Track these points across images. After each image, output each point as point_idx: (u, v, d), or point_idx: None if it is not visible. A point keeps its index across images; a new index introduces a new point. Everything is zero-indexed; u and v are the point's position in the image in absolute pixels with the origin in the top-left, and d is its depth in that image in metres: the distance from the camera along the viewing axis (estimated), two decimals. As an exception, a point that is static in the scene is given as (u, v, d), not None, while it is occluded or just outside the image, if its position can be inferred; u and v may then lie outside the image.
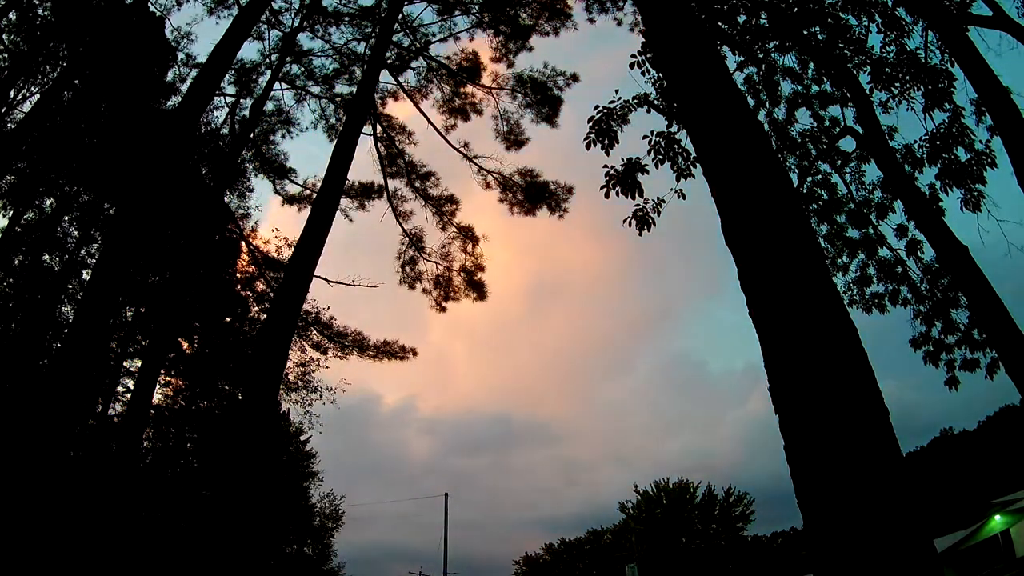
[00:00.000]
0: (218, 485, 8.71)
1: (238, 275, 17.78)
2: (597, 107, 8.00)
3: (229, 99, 16.74)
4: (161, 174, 9.30)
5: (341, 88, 16.70)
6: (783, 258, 3.77)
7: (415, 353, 16.98)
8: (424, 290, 16.65)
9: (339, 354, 16.92)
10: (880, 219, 12.49)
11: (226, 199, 16.44)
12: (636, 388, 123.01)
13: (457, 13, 15.75)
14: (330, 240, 10.65)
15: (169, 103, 15.83)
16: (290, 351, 11.85)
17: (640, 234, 7.79)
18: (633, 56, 8.76)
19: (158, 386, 15.31)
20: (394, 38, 15.15)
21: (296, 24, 16.23)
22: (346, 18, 16.13)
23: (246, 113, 16.41)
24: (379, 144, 15.97)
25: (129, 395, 15.34)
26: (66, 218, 15.05)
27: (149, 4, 14.89)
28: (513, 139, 16.28)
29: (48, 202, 14.89)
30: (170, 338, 14.80)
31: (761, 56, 11.60)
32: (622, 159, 7.67)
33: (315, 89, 16.75)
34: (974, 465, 35.21)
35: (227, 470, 8.34)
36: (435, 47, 16.26)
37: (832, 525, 3.03)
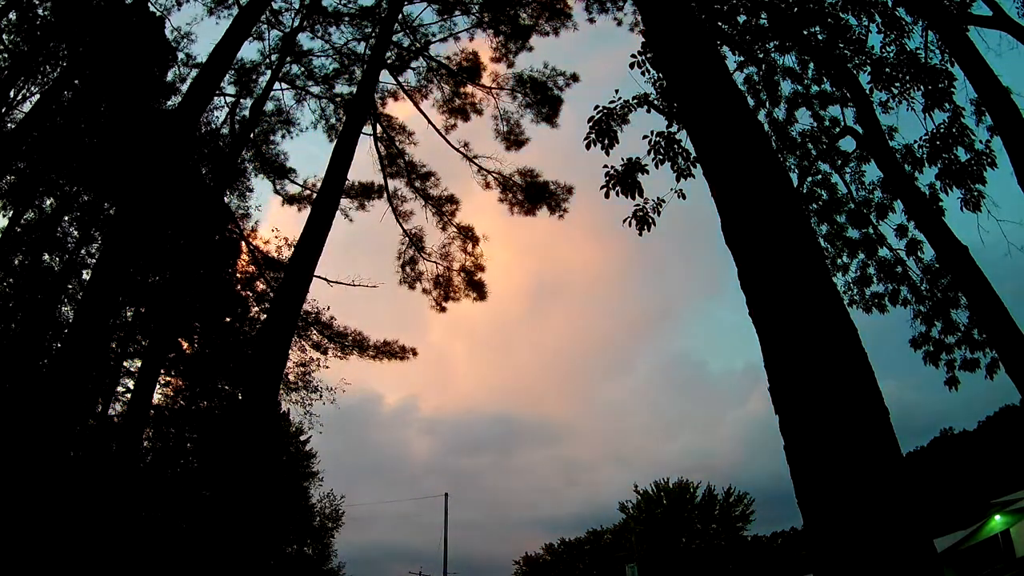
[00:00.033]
0: (218, 485, 8.71)
1: (238, 275, 17.79)
2: (597, 107, 8.01)
3: (229, 99, 16.77)
4: (161, 174, 9.30)
5: (341, 88, 16.73)
6: (783, 258, 3.77)
7: (415, 353, 17.01)
8: (424, 290, 16.67)
9: (339, 354, 16.95)
10: (880, 219, 12.49)
11: (226, 199, 16.45)
12: (636, 388, 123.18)
13: (457, 13, 15.78)
14: (330, 240, 10.66)
15: (169, 103, 15.85)
16: (290, 351, 11.85)
17: (640, 234, 7.79)
18: (633, 56, 8.76)
19: (158, 386, 15.32)
20: (394, 38, 15.16)
21: (296, 24, 16.25)
22: (346, 18, 16.14)
23: (246, 113, 16.43)
24: (379, 144, 15.99)
25: (129, 395, 15.35)
26: (66, 218, 15.06)
27: (149, 4, 14.91)
28: (513, 139, 16.29)
29: (48, 202, 14.90)
30: (170, 338, 14.81)
31: (761, 56, 11.60)
32: (622, 159, 7.68)
33: (315, 89, 16.78)
34: (974, 465, 35.21)
35: (227, 470, 8.34)
36: (435, 47, 16.28)
37: (832, 525, 3.03)
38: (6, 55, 13.32)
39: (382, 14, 15.24)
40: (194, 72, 14.89)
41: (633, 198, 7.54)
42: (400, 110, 21.97)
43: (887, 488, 3.02)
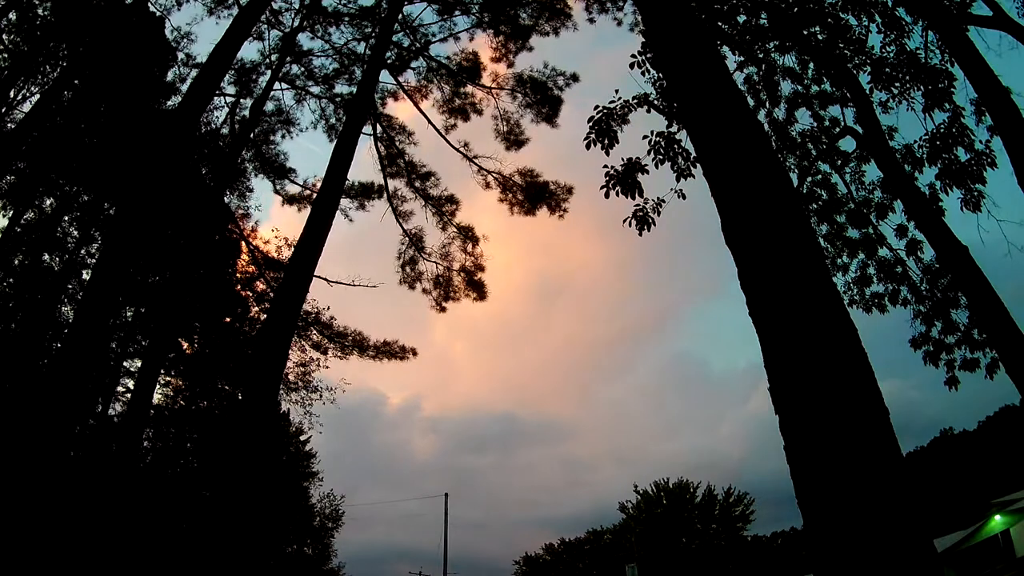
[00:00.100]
0: (218, 485, 8.71)
1: (238, 275, 17.79)
2: (597, 107, 8.00)
3: (229, 99, 16.78)
4: (161, 174, 9.30)
5: (341, 88, 16.74)
6: (783, 258, 3.77)
7: (415, 353, 17.01)
8: (424, 290, 16.67)
9: (339, 354, 16.96)
10: (880, 219, 12.50)
11: (226, 199, 16.46)
12: (637, 387, 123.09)
13: (457, 13, 15.78)
14: (330, 240, 10.68)
15: (169, 103, 15.86)
16: (290, 351, 11.87)
17: (640, 234, 7.78)
18: (633, 56, 8.76)
19: (158, 386, 15.33)
20: (394, 38, 15.16)
21: (296, 24, 16.26)
22: (346, 18, 16.15)
23: (246, 113, 16.45)
24: (379, 144, 16.00)
25: (129, 395, 15.35)
26: (66, 218, 15.06)
27: (149, 4, 14.92)
28: (513, 139, 16.29)
29: (48, 202, 14.90)
30: (170, 338, 14.81)
31: (761, 56, 11.60)
32: (622, 159, 7.67)
33: (315, 89, 16.79)
34: (974, 465, 35.21)
35: (227, 470, 8.34)
36: (435, 47, 16.32)
37: (832, 525, 3.03)
38: (6, 55, 13.32)
39: (382, 14, 15.25)
40: (194, 72, 14.91)
41: (633, 198, 7.54)
42: (400, 110, 21.99)
43: (887, 488, 3.02)
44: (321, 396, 17.19)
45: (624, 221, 7.87)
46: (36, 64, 13.55)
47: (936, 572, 2.87)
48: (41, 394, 7.95)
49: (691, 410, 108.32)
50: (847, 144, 12.13)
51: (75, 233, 15.25)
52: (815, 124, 12.39)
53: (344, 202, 15.90)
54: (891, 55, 10.16)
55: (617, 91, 8.23)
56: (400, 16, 15.18)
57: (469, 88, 16.25)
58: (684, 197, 8.08)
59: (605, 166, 7.53)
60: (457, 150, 15.98)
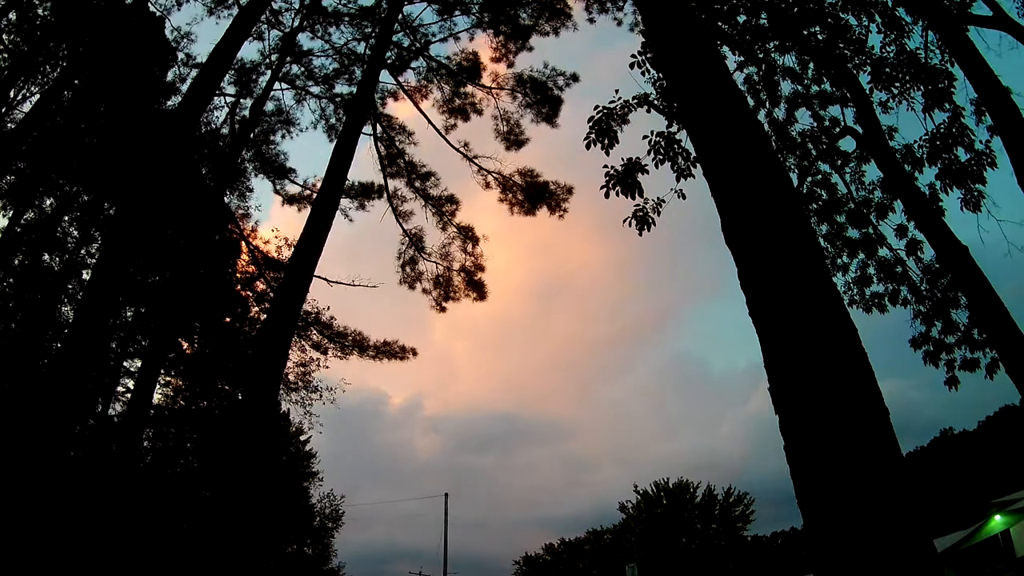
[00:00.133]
0: (218, 485, 8.71)
1: (238, 275, 17.79)
2: (597, 107, 8.00)
3: (229, 99, 16.78)
4: (161, 174, 9.30)
5: (341, 88, 16.74)
6: (783, 258, 3.77)
7: (415, 353, 17.01)
8: (424, 290, 16.67)
9: (339, 354, 16.96)
10: (880, 219, 12.50)
11: (226, 199, 16.46)
12: (638, 386, 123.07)
13: (457, 13, 15.78)
14: (330, 240, 10.68)
15: (169, 103, 15.86)
16: (290, 351, 11.87)
17: (640, 234, 7.79)
18: (633, 56, 8.76)
19: (158, 386, 15.33)
20: (394, 38, 15.16)
21: (296, 24, 16.26)
22: (346, 18, 16.15)
23: (246, 113, 16.45)
24: (379, 144, 16.00)
25: (129, 395, 15.35)
26: (66, 218, 15.06)
27: (149, 4, 14.92)
28: (513, 139, 16.29)
29: (48, 202, 14.90)
30: (170, 338, 14.81)
31: (761, 56, 11.60)
32: (622, 159, 7.67)
33: (315, 89, 16.79)
34: (974, 465, 35.21)
35: (227, 470, 8.34)
36: (435, 47, 16.34)
37: (832, 525, 3.03)
38: (6, 55, 13.32)
39: (382, 14, 15.25)
40: (194, 72, 14.91)
41: (633, 198, 7.54)
42: (400, 110, 21.99)
43: (887, 488, 3.02)
44: (321, 396, 17.21)
45: (624, 221, 7.87)
46: (36, 64, 13.56)
47: (936, 572, 2.87)
48: (41, 394, 7.95)
49: (691, 410, 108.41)
50: (847, 144, 12.15)
51: (75, 233, 15.26)
52: (815, 124, 12.41)
53: (344, 202, 15.92)
54: (891, 55, 10.17)
55: (617, 91, 8.24)
56: (400, 16, 15.19)
57: (469, 88, 16.27)
58: (684, 197, 8.08)
59: (605, 166, 7.53)
60: (457, 150, 16.01)
